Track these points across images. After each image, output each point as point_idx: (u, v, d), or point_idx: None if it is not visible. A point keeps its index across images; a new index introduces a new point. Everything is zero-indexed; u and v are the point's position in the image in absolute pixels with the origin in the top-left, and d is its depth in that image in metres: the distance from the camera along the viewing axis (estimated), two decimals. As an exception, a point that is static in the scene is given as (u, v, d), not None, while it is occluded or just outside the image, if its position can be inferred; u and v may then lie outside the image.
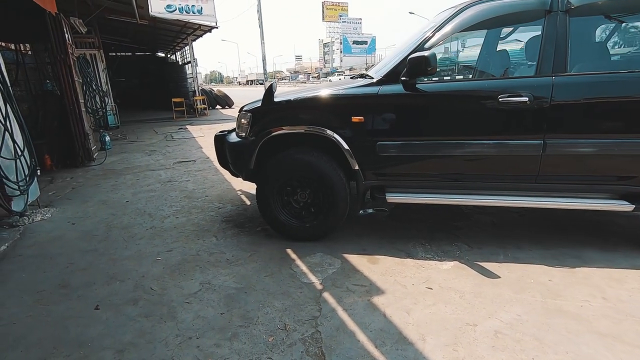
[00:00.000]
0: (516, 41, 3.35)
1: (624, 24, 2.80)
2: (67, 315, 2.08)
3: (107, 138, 7.01)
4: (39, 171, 3.79)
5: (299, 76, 79.56)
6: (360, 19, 78.38)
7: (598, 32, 2.79)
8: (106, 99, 9.67)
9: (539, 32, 2.41)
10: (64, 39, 5.32)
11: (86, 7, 8.59)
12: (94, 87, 8.10)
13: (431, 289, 2.19)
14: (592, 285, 2.16)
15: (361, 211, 3.48)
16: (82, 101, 6.05)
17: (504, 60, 3.12)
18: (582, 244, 2.65)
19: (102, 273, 2.52)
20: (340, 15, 76.03)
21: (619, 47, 2.95)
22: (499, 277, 2.28)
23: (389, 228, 3.09)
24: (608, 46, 2.82)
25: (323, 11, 75.36)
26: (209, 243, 2.90)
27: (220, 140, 3.19)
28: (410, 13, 35.05)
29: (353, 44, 74.85)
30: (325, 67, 79.68)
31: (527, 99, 2.29)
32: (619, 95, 2.28)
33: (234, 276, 2.40)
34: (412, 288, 2.20)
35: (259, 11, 15.21)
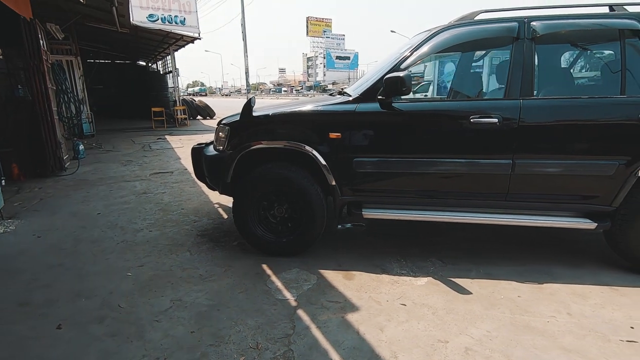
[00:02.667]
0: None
1: (586, 52, 2.98)
2: (28, 335, 1.97)
3: (81, 147, 6.80)
4: (3, 181, 3.62)
5: (282, 89, 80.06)
6: (344, 35, 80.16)
7: (563, 59, 2.96)
8: (82, 106, 9.42)
9: (508, 57, 2.54)
10: (38, 45, 5.18)
11: (64, 14, 8.42)
12: (69, 95, 7.87)
13: (405, 305, 2.21)
14: (558, 301, 2.23)
15: (339, 226, 3.49)
16: (55, 109, 5.88)
17: (476, 82, 3.26)
18: (551, 260, 2.74)
19: (68, 289, 2.41)
20: (324, 31, 77.53)
21: (582, 73, 3.14)
22: (471, 293, 2.33)
23: (365, 243, 3.11)
24: (572, 72, 2.99)
25: (307, 26, 76.67)
26: (182, 258, 2.84)
27: (198, 152, 3.16)
28: (392, 32, 36.08)
29: (336, 59, 76.27)
30: (308, 81, 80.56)
31: (496, 120, 2.39)
32: (581, 119, 2.41)
33: (207, 293, 2.35)
34: (387, 304, 2.21)
35: (243, 24, 15.33)
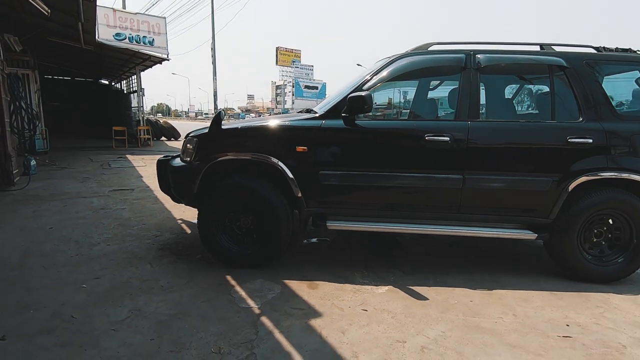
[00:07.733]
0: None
1: (523, 82, 3.39)
2: (-37, 348, 1.82)
3: (33, 162, 6.43)
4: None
5: (251, 114, 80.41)
6: (312, 65, 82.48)
7: (504, 87, 3.33)
8: (36, 121, 8.97)
9: (457, 85, 2.83)
10: (-5, 54, 4.99)
11: (25, 25, 8.15)
12: (24, 108, 7.50)
13: (366, 310, 2.29)
14: (505, 304, 2.41)
15: (305, 240, 3.55)
16: (8, 120, 5.59)
17: (432, 106, 3.56)
18: (499, 270, 2.95)
19: (13, 302, 2.26)
20: (293, 61, 79.60)
21: (521, 100, 3.54)
22: (428, 299, 2.46)
23: (329, 256, 3.19)
24: (512, 99, 3.37)
25: (277, 55, 78.51)
26: (142, 270, 2.75)
27: (164, 164, 3.15)
28: (358, 65, 37.91)
29: (305, 88, 78.11)
30: (277, 108, 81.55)
31: (448, 138, 2.64)
32: (519, 140, 2.72)
33: (168, 303, 2.30)
34: (349, 310, 2.28)
35: (213, 48, 15.53)
